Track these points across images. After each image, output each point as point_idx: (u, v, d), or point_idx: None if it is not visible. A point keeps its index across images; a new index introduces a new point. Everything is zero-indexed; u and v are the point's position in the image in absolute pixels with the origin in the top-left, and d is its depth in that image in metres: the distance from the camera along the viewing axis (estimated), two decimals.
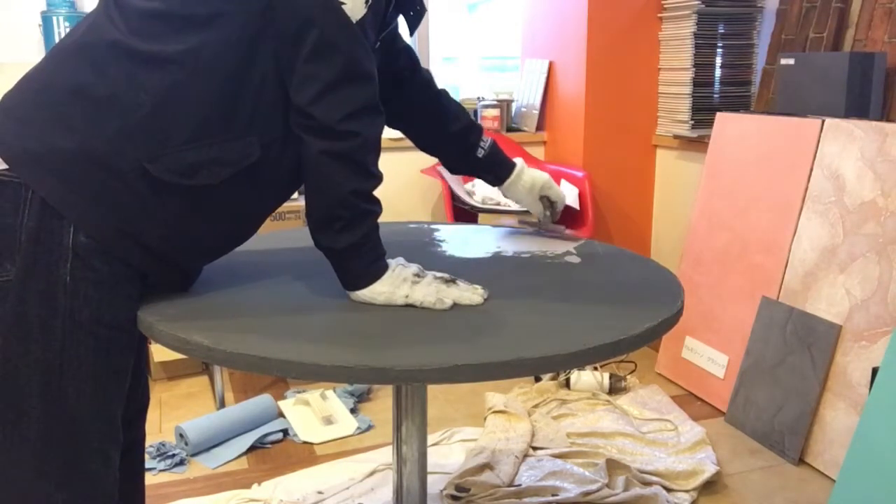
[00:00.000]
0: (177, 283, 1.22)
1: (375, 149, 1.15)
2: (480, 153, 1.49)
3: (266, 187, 1.17)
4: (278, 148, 1.13)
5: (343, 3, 1.07)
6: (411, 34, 1.31)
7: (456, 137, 1.48)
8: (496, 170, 1.53)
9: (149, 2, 1.05)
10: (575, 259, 1.46)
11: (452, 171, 1.54)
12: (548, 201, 1.58)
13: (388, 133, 2.99)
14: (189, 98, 1.06)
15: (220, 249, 1.22)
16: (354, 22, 1.08)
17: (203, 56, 1.05)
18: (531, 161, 3.36)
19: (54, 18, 2.71)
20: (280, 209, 2.71)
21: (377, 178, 1.15)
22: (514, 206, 2.96)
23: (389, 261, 1.18)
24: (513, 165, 1.54)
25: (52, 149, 1.03)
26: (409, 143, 1.57)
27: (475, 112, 3.45)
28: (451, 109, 1.48)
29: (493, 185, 1.55)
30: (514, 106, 3.54)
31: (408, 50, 1.45)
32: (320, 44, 1.07)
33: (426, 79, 1.48)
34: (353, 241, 1.13)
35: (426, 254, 1.48)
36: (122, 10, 1.07)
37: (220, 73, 1.06)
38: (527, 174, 1.54)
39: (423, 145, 1.53)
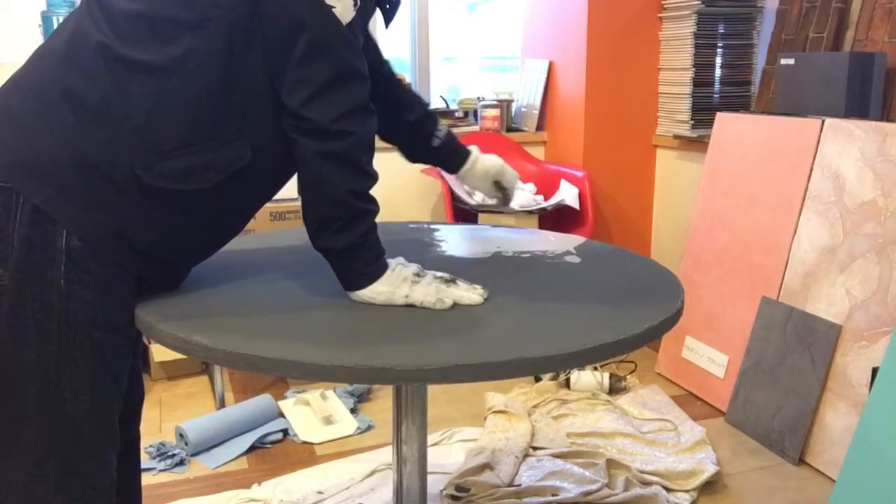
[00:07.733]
0: (168, 283, 1.22)
1: (369, 148, 1.14)
2: (436, 142, 1.51)
3: (256, 188, 1.17)
4: (268, 150, 1.13)
5: (333, 7, 1.07)
6: (387, 27, 1.31)
7: (413, 127, 1.49)
8: (451, 158, 1.55)
9: (132, 3, 1.04)
10: (575, 259, 1.46)
11: (410, 159, 1.55)
12: (500, 186, 1.60)
13: None
14: (179, 105, 1.05)
15: (210, 249, 1.22)
16: (344, 25, 1.08)
17: (191, 62, 1.04)
18: (531, 161, 3.36)
19: (54, 18, 2.70)
20: (280, 209, 2.71)
21: (373, 178, 1.15)
22: (514, 206, 2.96)
23: (389, 260, 1.18)
24: (467, 154, 1.55)
25: (44, 156, 1.03)
26: None
27: (475, 112, 3.45)
28: (409, 99, 1.49)
29: (450, 172, 1.56)
30: (514, 106, 3.54)
31: (374, 42, 1.45)
32: (312, 47, 1.06)
33: (388, 70, 1.49)
34: (352, 241, 1.13)
35: (426, 254, 1.48)
36: (105, 12, 1.05)
37: (208, 80, 1.06)
38: (481, 162, 1.55)
39: (381, 134, 1.53)
